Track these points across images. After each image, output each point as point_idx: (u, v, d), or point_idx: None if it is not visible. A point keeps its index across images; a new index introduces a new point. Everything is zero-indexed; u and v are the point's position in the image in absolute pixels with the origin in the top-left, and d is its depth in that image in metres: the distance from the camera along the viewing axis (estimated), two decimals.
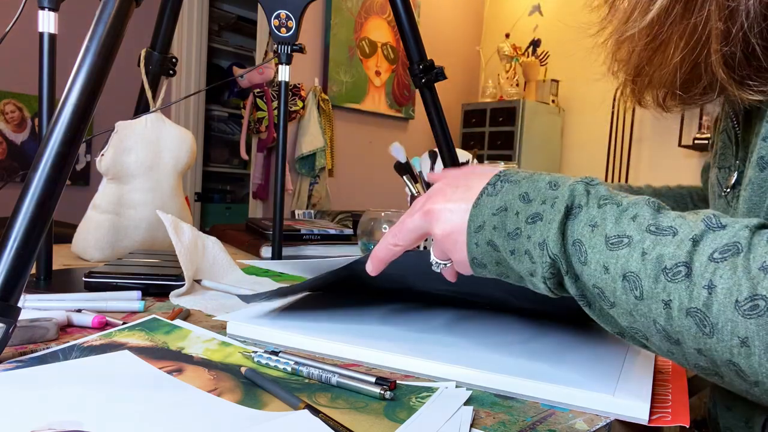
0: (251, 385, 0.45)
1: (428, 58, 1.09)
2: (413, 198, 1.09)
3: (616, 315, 0.37)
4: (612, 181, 3.89)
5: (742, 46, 0.38)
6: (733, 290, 0.30)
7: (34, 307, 0.62)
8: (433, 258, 0.50)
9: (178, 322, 0.59)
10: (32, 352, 0.50)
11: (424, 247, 0.81)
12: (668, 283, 0.33)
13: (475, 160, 1.15)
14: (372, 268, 0.52)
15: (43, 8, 0.75)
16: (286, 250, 1.16)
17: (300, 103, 3.15)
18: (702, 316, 0.31)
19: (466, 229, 0.44)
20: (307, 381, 0.47)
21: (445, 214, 0.46)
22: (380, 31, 3.70)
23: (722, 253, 0.32)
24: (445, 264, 0.50)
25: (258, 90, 2.96)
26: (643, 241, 0.35)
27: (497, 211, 0.43)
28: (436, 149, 1.09)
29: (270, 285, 0.83)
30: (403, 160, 1.09)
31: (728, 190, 0.48)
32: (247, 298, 0.63)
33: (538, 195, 0.41)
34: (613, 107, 3.74)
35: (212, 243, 0.87)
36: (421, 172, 1.10)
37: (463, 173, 0.49)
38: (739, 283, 0.30)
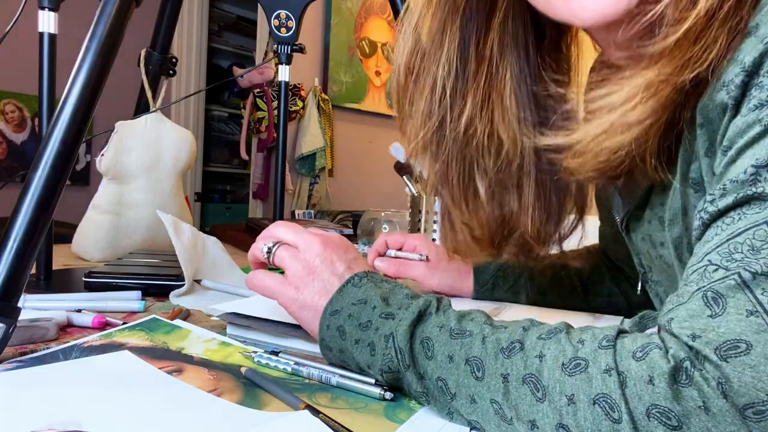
0: (251, 386, 0.45)
1: None
2: (413, 198, 1.09)
3: (458, 407, 0.39)
4: None
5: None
6: (559, 356, 0.35)
7: (34, 307, 0.62)
8: (269, 245, 0.52)
9: (178, 322, 0.59)
10: (32, 352, 0.50)
11: (426, 257, 0.78)
12: (506, 360, 0.37)
13: None
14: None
15: (43, 8, 0.75)
16: None
17: (300, 103, 3.15)
18: (535, 381, 0.35)
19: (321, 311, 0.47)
20: (307, 381, 0.47)
21: (326, 275, 0.49)
22: (380, 31, 3.70)
23: (547, 335, 0.37)
24: (272, 247, 0.52)
25: (258, 90, 2.95)
26: (482, 331, 0.40)
27: (357, 302, 0.46)
28: None
29: None
30: (403, 160, 1.09)
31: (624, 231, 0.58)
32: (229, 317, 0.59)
33: (395, 301, 0.45)
34: None
35: (212, 243, 0.87)
36: (421, 172, 1.10)
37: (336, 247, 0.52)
38: (564, 351, 0.35)
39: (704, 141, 0.41)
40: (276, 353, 0.50)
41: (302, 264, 0.50)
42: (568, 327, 0.38)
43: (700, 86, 0.40)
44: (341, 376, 0.45)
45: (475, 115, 0.57)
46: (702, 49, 0.38)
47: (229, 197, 4.31)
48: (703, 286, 0.33)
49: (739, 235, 0.34)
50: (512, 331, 0.39)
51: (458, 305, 0.45)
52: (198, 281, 0.79)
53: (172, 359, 0.50)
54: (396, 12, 1.08)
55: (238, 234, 1.32)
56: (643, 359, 0.32)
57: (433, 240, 1.03)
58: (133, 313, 0.66)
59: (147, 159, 1.01)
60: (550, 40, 0.59)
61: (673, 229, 0.48)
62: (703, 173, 0.42)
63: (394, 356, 0.42)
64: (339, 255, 0.50)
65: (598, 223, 0.75)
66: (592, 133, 0.44)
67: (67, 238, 1.07)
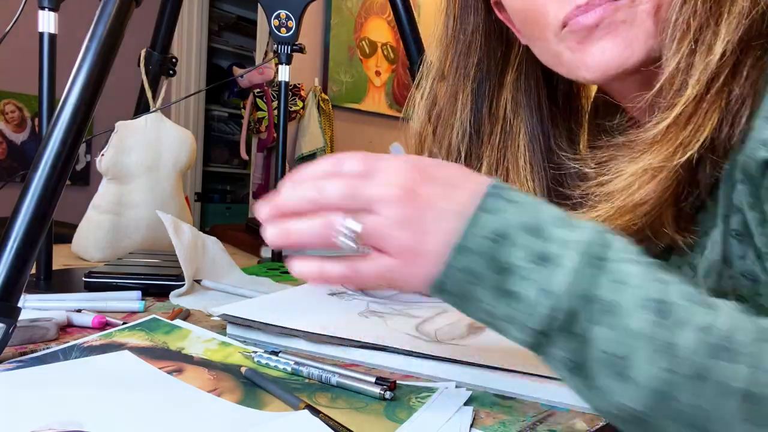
0: (251, 385, 0.45)
1: None
2: None
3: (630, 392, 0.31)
4: None
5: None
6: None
7: (34, 307, 0.62)
8: (351, 226, 0.37)
9: (178, 322, 0.59)
10: (32, 352, 0.50)
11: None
12: (723, 363, 0.30)
13: None
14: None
15: (43, 8, 0.75)
16: (287, 250, 1.16)
17: (300, 103, 3.15)
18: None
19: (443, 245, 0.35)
20: (307, 381, 0.47)
21: (441, 204, 0.35)
22: (380, 31, 3.70)
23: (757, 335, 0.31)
24: (358, 248, 0.38)
25: (258, 90, 2.95)
26: (693, 313, 0.32)
27: (495, 237, 0.34)
28: None
29: (270, 285, 0.83)
30: None
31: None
32: (229, 318, 0.57)
33: (548, 233, 0.34)
34: None
35: (212, 243, 0.87)
36: None
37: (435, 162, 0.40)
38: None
39: (747, 195, 0.40)
40: (276, 353, 0.50)
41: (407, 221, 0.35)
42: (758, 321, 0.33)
43: (716, 150, 0.41)
44: (341, 375, 0.45)
45: (491, 176, 0.57)
46: (693, 131, 0.40)
47: (229, 197, 4.31)
48: None
49: None
50: (714, 317, 0.32)
51: None
52: (198, 281, 0.79)
53: (172, 359, 0.50)
54: (396, 12, 1.08)
55: (238, 234, 1.32)
56: None
57: None
58: (133, 313, 0.66)
59: (147, 159, 1.01)
60: (562, 95, 0.60)
61: (707, 280, 0.46)
62: (750, 226, 0.41)
63: (547, 315, 0.32)
64: (443, 186, 0.36)
65: None
66: (603, 215, 0.44)
67: (67, 238, 1.07)
